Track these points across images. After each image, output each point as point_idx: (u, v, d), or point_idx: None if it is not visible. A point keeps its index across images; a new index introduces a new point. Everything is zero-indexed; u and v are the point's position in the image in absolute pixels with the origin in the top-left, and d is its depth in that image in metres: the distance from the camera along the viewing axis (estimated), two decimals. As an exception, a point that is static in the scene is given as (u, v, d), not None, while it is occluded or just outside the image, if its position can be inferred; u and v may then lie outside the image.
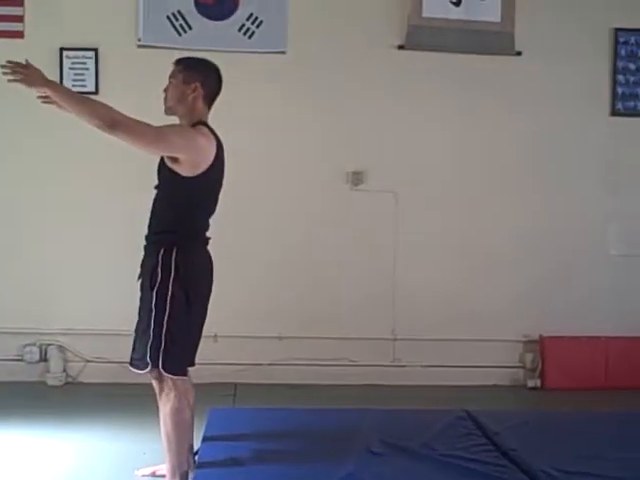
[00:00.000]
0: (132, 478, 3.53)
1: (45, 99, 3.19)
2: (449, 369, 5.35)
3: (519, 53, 5.35)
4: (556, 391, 5.28)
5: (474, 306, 5.41)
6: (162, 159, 3.26)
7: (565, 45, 5.42)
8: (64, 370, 5.19)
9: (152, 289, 3.18)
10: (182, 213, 3.25)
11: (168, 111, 3.32)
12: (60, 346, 5.20)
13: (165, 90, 3.33)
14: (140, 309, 3.28)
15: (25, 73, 2.99)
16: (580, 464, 3.19)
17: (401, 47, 5.30)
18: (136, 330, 3.29)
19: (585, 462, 3.22)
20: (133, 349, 3.28)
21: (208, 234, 3.37)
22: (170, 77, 3.33)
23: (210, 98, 3.34)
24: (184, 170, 3.16)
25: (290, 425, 3.70)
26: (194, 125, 3.24)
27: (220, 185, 3.37)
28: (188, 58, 3.41)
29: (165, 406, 3.25)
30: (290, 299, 5.27)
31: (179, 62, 3.36)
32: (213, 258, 3.39)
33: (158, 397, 3.31)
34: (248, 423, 3.71)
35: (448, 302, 5.39)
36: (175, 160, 3.16)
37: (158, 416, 3.30)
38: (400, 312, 5.37)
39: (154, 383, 3.31)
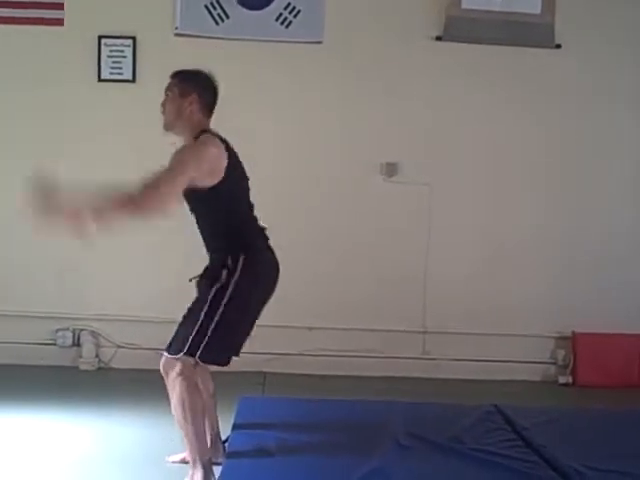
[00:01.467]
0: (161, 464, 3.56)
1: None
2: (479, 363, 5.32)
3: (559, 46, 5.27)
4: (588, 388, 5.22)
5: (506, 300, 5.37)
6: None
7: (606, 38, 5.34)
8: (96, 355, 5.25)
9: (212, 286, 3.19)
10: (229, 221, 3.26)
11: (167, 127, 3.30)
12: (93, 331, 5.25)
13: (163, 104, 3.31)
14: (192, 303, 3.27)
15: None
16: (611, 462, 3.17)
17: (439, 38, 5.25)
18: (183, 320, 3.28)
19: (616, 460, 3.19)
20: (175, 337, 3.25)
21: (266, 233, 3.41)
22: (166, 90, 3.32)
23: (208, 109, 3.32)
24: (206, 183, 3.15)
25: (319, 416, 3.71)
26: (198, 135, 3.22)
27: (246, 178, 3.36)
28: (183, 71, 3.36)
29: (173, 396, 3.24)
30: (321, 290, 5.27)
31: (175, 75, 3.34)
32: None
33: (168, 386, 3.29)
34: (278, 413, 3.72)
35: (480, 296, 5.35)
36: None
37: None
38: (431, 305, 5.35)
39: (162, 371, 3.29)
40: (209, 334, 3.16)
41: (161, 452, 3.65)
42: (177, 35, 5.16)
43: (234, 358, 3.32)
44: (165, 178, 3.04)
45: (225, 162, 3.19)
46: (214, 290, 3.19)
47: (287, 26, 5.20)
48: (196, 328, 3.17)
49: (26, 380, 4.79)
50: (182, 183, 3.08)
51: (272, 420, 3.59)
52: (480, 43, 5.25)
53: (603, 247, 5.43)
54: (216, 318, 3.16)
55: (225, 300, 3.17)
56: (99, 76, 5.17)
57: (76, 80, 5.17)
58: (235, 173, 3.26)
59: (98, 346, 5.26)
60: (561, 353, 5.43)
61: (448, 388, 5.02)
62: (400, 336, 5.33)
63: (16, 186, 5.28)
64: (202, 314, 3.17)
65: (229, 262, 3.20)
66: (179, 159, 3.14)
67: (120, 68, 5.18)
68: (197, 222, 3.35)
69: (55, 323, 5.23)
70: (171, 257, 5.01)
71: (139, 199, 2.98)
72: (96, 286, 5.26)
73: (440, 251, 5.36)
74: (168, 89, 3.32)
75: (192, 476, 3.27)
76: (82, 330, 5.25)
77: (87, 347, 5.21)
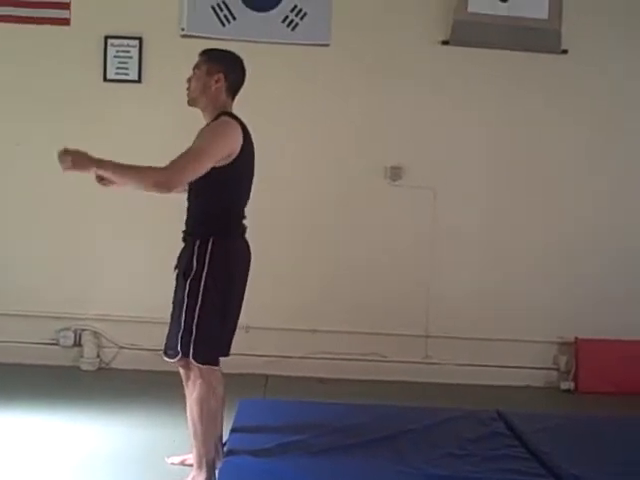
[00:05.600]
0: (162, 465, 3.55)
1: (102, 181, 3.28)
2: (481, 368, 5.30)
3: (565, 51, 5.27)
4: (590, 394, 5.21)
5: (509, 305, 5.36)
6: None
7: (613, 44, 5.32)
8: (98, 356, 5.25)
9: (186, 279, 3.20)
10: (216, 204, 3.25)
11: (191, 102, 3.34)
12: (94, 332, 5.25)
13: (188, 80, 3.34)
14: (174, 298, 3.29)
15: (67, 160, 3.07)
16: (613, 469, 3.15)
17: (445, 42, 5.25)
18: (171, 319, 3.31)
19: (618, 467, 3.18)
20: (167, 338, 3.29)
21: (245, 223, 3.37)
22: (194, 68, 3.34)
23: (233, 89, 3.35)
24: (219, 163, 3.16)
25: (319, 419, 3.69)
26: (218, 116, 3.24)
27: (252, 172, 3.37)
28: (213, 49, 3.41)
29: (192, 394, 3.27)
30: (324, 293, 5.27)
31: (204, 53, 3.37)
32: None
33: (185, 385, 3.34)
34: (277, 416, 3.71)
35: (483, 301, 5.35)
36: None
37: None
38: (434, 309, 5.34)
39: (181, 371, 3.33)
40: (195, 330, 3.16)
41: (160, 453, 3.65)
42: (183, 36, 5.16)
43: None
44: (193, 157, 3.10)
45: (239, 147, 3.20)
46: (188, 284, 3.19)
47: (293, 28, 5.19)
48: (182, 327, 3.17)
49: (27, 380, 4.79)
50: (207, 164, 3.11)
51: (271, 423, 3.57)
52: (486, 48, 5.24)
53: (607, 252, 5.41)
54: (197, 312, 3.16)
55: (201, 293, 3.16)
56: (105, 76, 5.17)
57: (82, 80, 5.18)
58: (244, 161, 3.26)
59: (99, 346, 5.25)
60: (563, 359, 5.42)
61: (450, 393, 5.01)
62: (403, 340, 5.32)
63: (21, 185, 5.33)
64: (183, 312, 3.17)
65: (196, 247, 3.19)
66: (208, 140, 3.16)
67: (126, 69, 5.18)
68: (188, 196, 3.34)
69: (57, 323, 5.22)
70: (174, 258, 5.00)
71: (164, 171, 3.05)
72: (98, 286, 5.26)
73: (444, 256, 5.35)
74: (196, 67, 3.34)
75: (195, 478, 3.28)
76: (84, 330, 5.24)
77: (88, 347, 5.21)
